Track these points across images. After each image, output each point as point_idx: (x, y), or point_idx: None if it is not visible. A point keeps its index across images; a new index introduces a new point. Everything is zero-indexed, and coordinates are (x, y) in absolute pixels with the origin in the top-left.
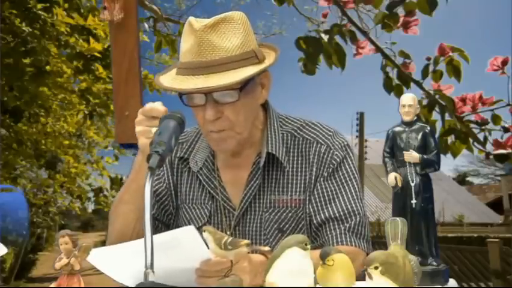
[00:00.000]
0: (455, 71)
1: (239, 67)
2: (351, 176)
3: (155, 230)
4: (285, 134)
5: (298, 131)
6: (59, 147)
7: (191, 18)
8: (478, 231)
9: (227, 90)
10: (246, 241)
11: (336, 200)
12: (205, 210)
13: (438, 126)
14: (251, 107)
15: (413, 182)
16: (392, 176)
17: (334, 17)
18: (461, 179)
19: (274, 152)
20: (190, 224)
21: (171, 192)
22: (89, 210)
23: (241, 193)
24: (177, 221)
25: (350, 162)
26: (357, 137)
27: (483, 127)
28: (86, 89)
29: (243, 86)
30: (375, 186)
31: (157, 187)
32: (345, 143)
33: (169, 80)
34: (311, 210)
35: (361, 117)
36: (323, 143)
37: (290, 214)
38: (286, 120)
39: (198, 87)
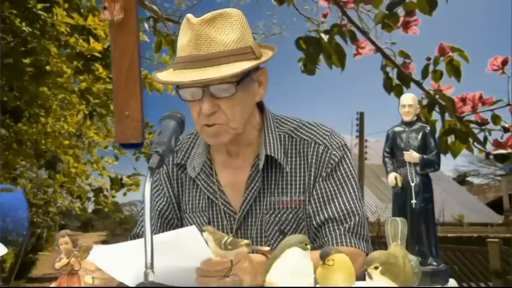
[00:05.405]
0: (455, 71)
1: (236, 61)
2: (350, 176)
3: None
4: (282, 135)
5: (295, 131)
6: (59, 147)
7: (188, 15)
8: (478, 231)
9: (224, 83)
10: (246, 241)
11: (335, 200)
12: (205, 217)
13: (438, 126)
14: (247, 103)
15: (413, 182)
16: (392, 176)
17: (334, 17)
18: (461, 179)
19: (272, 155)
20: None
21: (174, 205)
22: (89, 210)
23: (241, 196)
24: None
25: (348, 162)
26: (357, 137)
27: (483, 127)
28: (86, 89)
29: (240, 80)
30: (375, 186)
31: (158, 204)
32: (343, 142)
33: (166, 74)
34: (310, 211)
35: (361, 117)
36: (320, 143)
37: (291, 215)
38: (283, 120)
39: (194, 79)
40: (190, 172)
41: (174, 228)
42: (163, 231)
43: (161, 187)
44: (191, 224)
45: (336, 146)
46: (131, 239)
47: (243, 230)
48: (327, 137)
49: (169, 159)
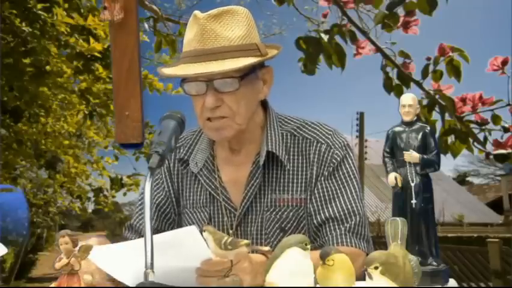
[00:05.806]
0: (455, 71)
1: (240, 56)
2: (351, 176)
3: None
4: (284, 134)
5: (298, 130)
6: (59, 147)
7: (196, 11)
8: (478, 231)
9: (227, 78)
10: (246, 241)
11: (336, 199)
12: (205, 213)
13: (438, 126)
14: (251, 100)
15: (413, 182)
16: (392, 176)
17: (334, 17)
18: (461, 179)
19: (274, 151)
20: None
21: (172, 199)
22: (89, 210)
23: (242, 193)
24: (180, 227)
25: (350, 162)
26: (357, 137)
27: (483, 127)
28: (86, 89)
29: (244, 76)
30: (375, 186)
31: (156, 198)
32: (345, 142)
33: (171, 68)
34: (311, 209)
35: (361, 117)
36: (323, 142)
37: (291, 213)
38: (286, 120)
39: (198, 72)
40: (193, 167)
41: (171, 223)
42: (159, 225)
43: (161, 181)
44: (191, 220)
45: (338, 146)
46: (126, 229)
47: (243, 227)
48: (329, 136)
49: (170, 154)
